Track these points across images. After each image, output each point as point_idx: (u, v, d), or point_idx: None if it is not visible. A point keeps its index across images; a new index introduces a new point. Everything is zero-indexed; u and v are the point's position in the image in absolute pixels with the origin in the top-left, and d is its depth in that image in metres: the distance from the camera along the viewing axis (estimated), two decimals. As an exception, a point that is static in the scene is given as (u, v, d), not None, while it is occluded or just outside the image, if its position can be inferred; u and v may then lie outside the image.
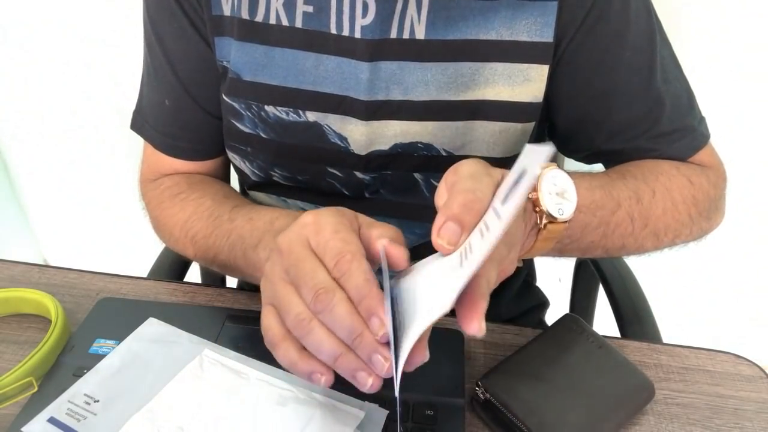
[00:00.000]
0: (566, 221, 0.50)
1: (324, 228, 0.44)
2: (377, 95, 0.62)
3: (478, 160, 0.47)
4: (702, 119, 0.69)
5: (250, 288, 0.95)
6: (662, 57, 0.65)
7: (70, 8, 1.29)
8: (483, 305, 0.40)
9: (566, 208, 0.51)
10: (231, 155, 0.73)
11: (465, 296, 0.40)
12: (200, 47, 0.66)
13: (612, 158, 0.69)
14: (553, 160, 0.97)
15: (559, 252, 0.60)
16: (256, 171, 0.72)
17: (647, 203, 0.61)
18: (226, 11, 0.63)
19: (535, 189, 0.49)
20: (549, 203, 0.49)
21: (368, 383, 0.41)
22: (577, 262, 0.96)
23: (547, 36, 0.60)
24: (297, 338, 0.43)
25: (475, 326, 0.40)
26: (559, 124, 0.69)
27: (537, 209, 0.49)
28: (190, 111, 0.70)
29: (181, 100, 0.70)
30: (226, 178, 0.79)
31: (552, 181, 0.51)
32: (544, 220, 0.50)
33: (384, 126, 0.64)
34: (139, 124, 0.74)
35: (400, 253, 0.44)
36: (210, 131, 0.72)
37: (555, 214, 0.50)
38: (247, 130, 0.67)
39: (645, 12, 0.64)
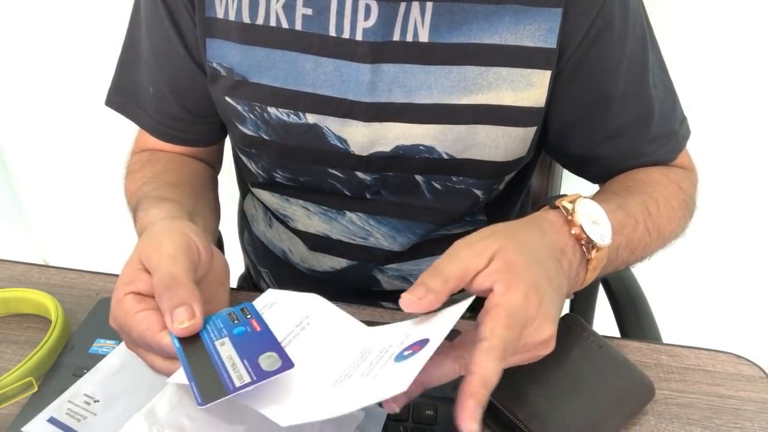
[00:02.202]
0: (608, 245, 0.53)
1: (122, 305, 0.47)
2: (379, 97, 0.62)
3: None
4: (683, 120, 0.71)
5: (249, 288, 0.95)
6: (652, 62, 0.66)
7: (71, 8, 1.29)
8: (471, 405, 0.39)
9: (605, 232, 0.53)
10: (239, 155, 0.74)
11: (460, 393, 0.40)
12: (182, 53, 0.67)
13: (602, 163, 0.71)
14: (548, 166, 0.98)
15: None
16: (260, 172, 0.72)
17: (655, 214, 0.62)
18: (220, 14, 0.64)
19: (573, 224, 0.51)
20: (592, 232, 0.51)
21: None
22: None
23: (551, 42, 0.61)
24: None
25: (466, 428, 0.39)
26: (554, 128, 0.69)
27: (582, 242, 0.51)
28: (172, 105, 0.71)
29: (163, 93, 0.70)
30: (215, 166, 0.80)
31: (586, 211, 0.52)
32: (593, 251, 0.52)
33: (386, 128, 0.64)
34: (118, 101, 0.75)
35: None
36: (190, 125, 0.73)
37: (599, 241, 0.52)
38: (250, 133, 0.68)
39: (640, 18, 0.65)
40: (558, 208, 0.53)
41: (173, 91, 0.70)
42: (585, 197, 0.54)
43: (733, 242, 1.35)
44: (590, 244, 0.51)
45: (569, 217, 0.52)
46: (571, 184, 1.01)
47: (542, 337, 0.45)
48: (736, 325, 1.47)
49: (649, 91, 0.66)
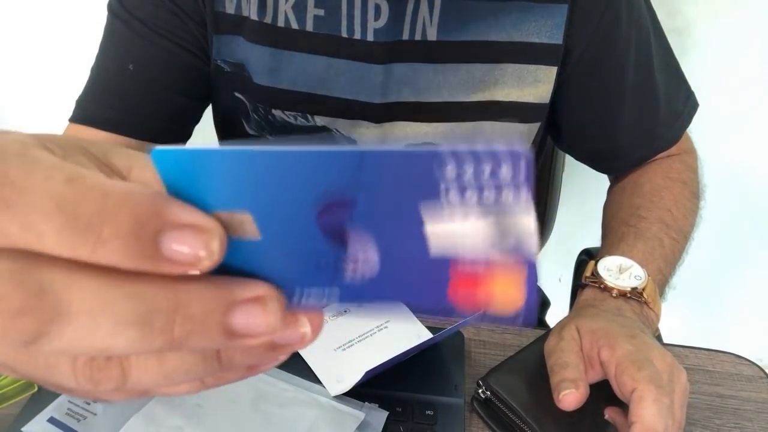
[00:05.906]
0: (648, 279, 0.56)
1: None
2: (390, 98, 0.62)
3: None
4: (688, 96, 0.72)
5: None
6: (655, 48, 0.67)
7: (72, 7, 1.29)
8: None
9: (636, 274, 0.57)
10: None
11: None
12: (187, 30, 0.62)
13: (618, 154, 0.72)
14: (548, 171, 0.98)
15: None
16: None
17: (672, 221, 0.65)
18: (230, 9, 0.61)
19: (609, 289, 0.56)
20: (626, 283, 0.56)
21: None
22: (576, 261, 0.96)
23: (557, 38, 0.61)
24: None
25: None
26: (569, 126, 0.70)
27: (628, 296, 0.55)
28: (158, 81, 0.63)
29: (151, 66, 0.62)
30: None
31: (609, 268, 0.57)
32: (644, 297, 0.56)
33: (395, 127, 0.64)
34: (78, 113, 0.67)
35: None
36: (169, 110, 0.65)
37: (637, 284, 0.56)
38: (253, 133, 0.67)
39: (643, 7, 0.65)
40: (588, 285, 0.58)
41: (168, 61, 0.62)
42: (602, 258, 0.58)
43: (732, 242, 1.35)
44: (635, 291, 0.56)
45: (602, 286, 0.57)
46: (571, 188, 1.01)
47: (669, 360, 0.48)
48: (736, 325, 1.47)
49: (655, 77, 0.67)
